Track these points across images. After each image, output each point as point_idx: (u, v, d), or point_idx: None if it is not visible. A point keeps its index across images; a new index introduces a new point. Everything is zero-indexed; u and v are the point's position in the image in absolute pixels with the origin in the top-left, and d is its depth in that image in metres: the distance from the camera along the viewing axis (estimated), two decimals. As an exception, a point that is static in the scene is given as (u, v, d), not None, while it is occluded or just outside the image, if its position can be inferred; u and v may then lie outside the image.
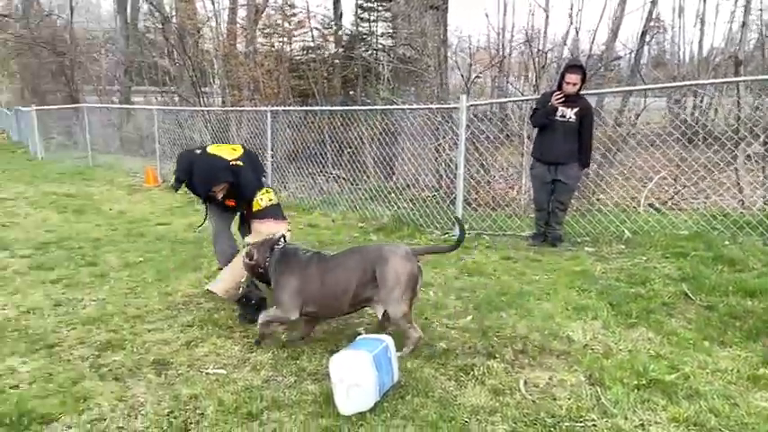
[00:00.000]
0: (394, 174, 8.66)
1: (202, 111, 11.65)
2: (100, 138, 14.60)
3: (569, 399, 2.69)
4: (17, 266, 5.23)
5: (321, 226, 6.85)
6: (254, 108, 9.92)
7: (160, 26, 15.34)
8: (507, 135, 7.74)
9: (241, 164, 4.07)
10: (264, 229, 3.96)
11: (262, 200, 4.10)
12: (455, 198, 6.03)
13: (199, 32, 14.16)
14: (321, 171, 9.48)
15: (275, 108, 8.58)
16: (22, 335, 3.66)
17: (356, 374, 2.53)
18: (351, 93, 15.84)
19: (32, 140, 16.41)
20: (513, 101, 8.06)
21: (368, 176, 9.07)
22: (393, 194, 7.57)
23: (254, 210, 4.12)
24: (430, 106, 7.24)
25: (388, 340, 2.78)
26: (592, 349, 3.22)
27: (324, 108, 8.79)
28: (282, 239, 3.50)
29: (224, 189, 4.06)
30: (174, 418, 2.64)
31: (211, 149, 4.20)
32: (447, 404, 2.66)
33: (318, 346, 3.39)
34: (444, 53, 8.79)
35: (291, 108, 9.26)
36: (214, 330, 3.67)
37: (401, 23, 8.58)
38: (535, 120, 5.49)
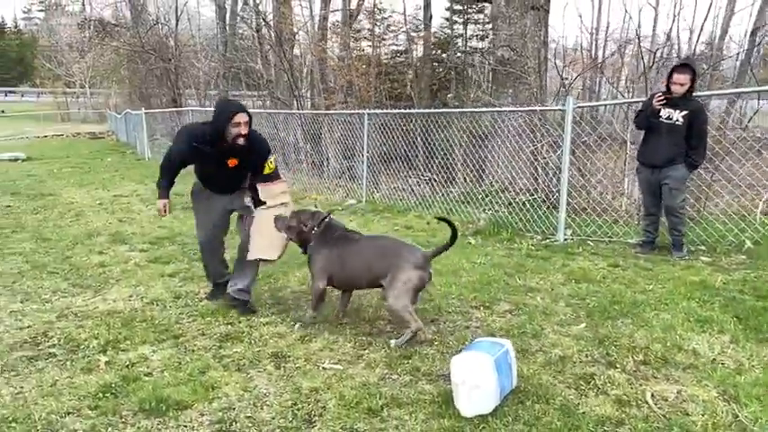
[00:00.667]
0: (485, 176, 8.58)
1: (299, 114, 12.00)
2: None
3: (703, 414, 2.56)
4: (137, 259, 5.60)
5: (417, 228, 6.89)
6: (352, 111, 10.10)
7: (257, 32, 15.95)
8: (609, 138, 7.48)
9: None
10: (278, 189, 4.06)
11: (272, 163, 4.01)
12: (554, 202, 5.90)
13: (294, 37, 14.64)
14: (413, 173, 9.55)
15: (373, 111, 8.72)
16: (149, 325, 3.91)
17: (478, 377, 2.52)
18: (438, 95, 15.87)
19: (140, 142, 17.53)
20: (623, 102, 7.76)
21: (460, 179, 9.04)
22: (489, 197, 7.50)
23: (265, 173, 3.99)
24: (534, 108, 7.13)
25: (507, 344, 2.76)
26: (722, 364, 3.04)
27: (422, 111, 8.86)
28: (327, 213, 3.89)
29: (247, 124, 3.74)
30: (298, 409, 2.74)
31: None
32: (569, 413, 2.60)
33: (429, 346, 3.41)
34: (545, 54, 8.61)
35: (389, 111, 9.38)
36: (325, 326, 3.77)
37: (500, 25, 8.48)
38: (638, 121, 5.31)
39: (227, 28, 20.25)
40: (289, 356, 3.34)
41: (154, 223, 7.39)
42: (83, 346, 3.55)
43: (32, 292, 4.65)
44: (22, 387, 3.03)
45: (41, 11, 68.06)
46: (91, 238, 6.49)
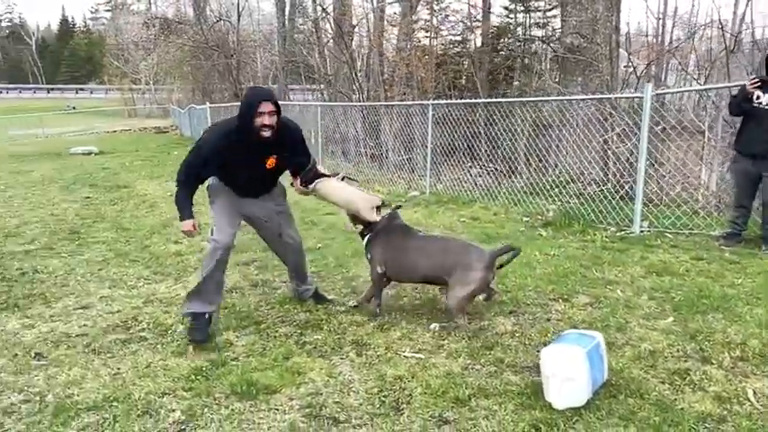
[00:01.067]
0: (551, 167, 8.40)
1: (361, 105, 12.06)
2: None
3: (813, 415, 2.44)
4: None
5: (483, 219, 6.82)
6: (416, 102, 10.08)
7: (317, 25, 16.12)
8: (686, 127, 7.18)
9: None
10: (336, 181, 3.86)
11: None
12: (628, 193, 5.71)
13: (354, 29, 14.71)
14: (475, 164, 9.46)
15: (437, 102, 8.66)
16: (231, 311, 4.03)
17: (570, 369, 2.48)
18: (498, 85, 15.63)
19: (204, 136, 18.02)
20: (706, 89, 7.42)
21: (524, 169, 8.89)
22: (557, 189, 7.34)
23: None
24: (608, 96, 6.90)
25: (599, 337, 2.70)
26: (826, 362, 2.88)
27: (489, 101, 8.72)
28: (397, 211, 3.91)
29: (273, 114, 3.31)
30: (385, 396, 2.76)
31: None
32: (666, 408, 2.52)
33: (511, 338, 3.37)
34: (616, 40, 8.34)
35: (453, 101, 9.29)
36: (402, 315, 3.79)
37: (569, 11, 8.26)
38: (731, 107, 5.05)
39: (287, 22, 20.53)
40: (369, 344, 3.38)
41: (224, 214, 7.59)
42: (170, 331, 3.70)
43: (118, 278, 4.87)
44: (119, 368, 3.18)
45: (108, 10, 70.95)
46: (166, 228, 6.73)
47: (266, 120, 3.29)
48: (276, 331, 3.66)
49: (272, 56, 23.18)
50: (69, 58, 74.27)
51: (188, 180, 3.57)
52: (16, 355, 3.39)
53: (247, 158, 3.46)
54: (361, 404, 2.72)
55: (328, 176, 3.87)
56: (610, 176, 7.37)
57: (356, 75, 13.32)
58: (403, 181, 9.79)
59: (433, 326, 3.54)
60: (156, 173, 12.05)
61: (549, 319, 3.64)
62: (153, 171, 12.40)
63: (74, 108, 46.10)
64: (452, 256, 3.52)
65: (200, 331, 3.50)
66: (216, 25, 21.78)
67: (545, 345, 3.13)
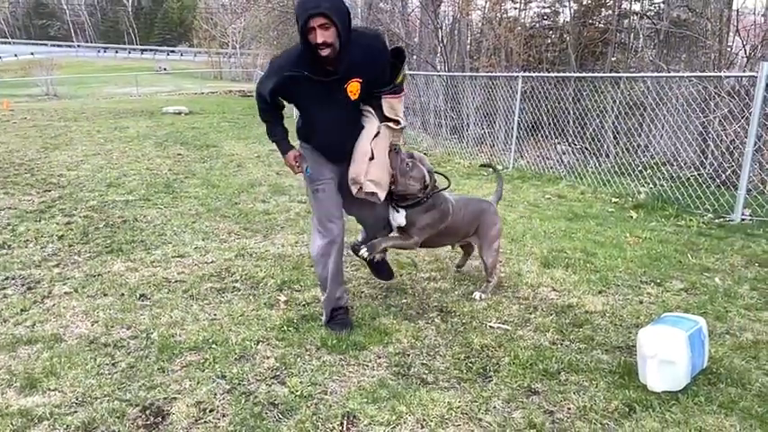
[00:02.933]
0: (643, 148, 8.03)
1: (446, 75, 11.91)
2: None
3: None
4: (297, 210, 5.92)
5: (570, 198, 6.63)
6: (506, 74, 9.84)
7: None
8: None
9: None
10: (399, 104, 3.03)
11: (404, 71, 3.01)
12: (729, 179, 5.37)
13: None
14: (562, 141, 9.18)
15: (527, 74, 8.42)
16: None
17: (670, 351, 2.40)
18: (587, 60, 14.98)
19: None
20: None
21: (613, 149, 8.55)
22: (648, 171, 7.02)
23: (398, 81, 2.98)
24: (716, 74, 6.48)
25: (701, 322, 2.59)
26: None
27: (583, 75, 8.39)
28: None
29: (325, 29, 2.61)
30: (472, 363, 2.78)
31: None
32: (771, 401, 2.40)
33: (601, 317, 3.29)
34: (728, 16, 7.77)
35: (545, 74, 9.00)
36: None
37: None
38: None
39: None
40: (454, 312, 3.39)
41: (307, 177, 7.76)
42: (261, 284, 3.85)
43: (210, 231, 5.10)
44: (215, 314, 3.36)
45: (201, -26, 72.92)
46: (254, 188, 6.96)
47: (318, 37, 2.61)
48: (362, 292, 3.73)
49: (354, 23, 23.12)
50: (162, 21, 77.23)
51: (265, 111, 3.10)
52: (123, 294, 3.64)
53: (321, 88, 2.81)
54: (447, 368, 2.75)
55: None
56: (708, 160, 6.96)
57: (442, 45, 13.11)
58: (484, 155, 9.64)
59: (476, 294, 3.62)
60: (243, 134, 12.42)
61: (641, 302, 3.52)
62: (239, 133, 12.79)
63: (165, 69, 48.07)
64: (475, 214, 3.62)
65: (342, 323, 3.14)
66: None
67: (637, 326, 3.06)
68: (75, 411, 2.36)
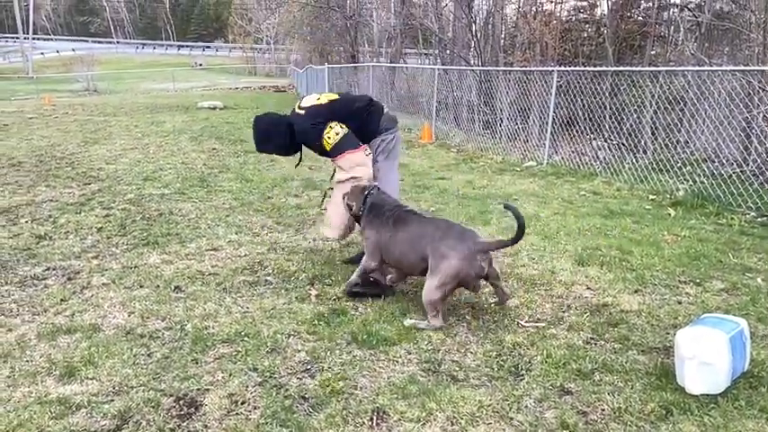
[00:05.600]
0: (682, 144, 7.81)
1: (479, 70, 11.80)
2: (375, 94, 15.82)
3: None
4: (329, 204, 5.94)
5: (605, 194, 6.50)
6: (540, 68, 9.70)
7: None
8: None
9: (301, 113, 3.84)
10: (344, 163, 3.72)
11: (329, 137, 3.69)
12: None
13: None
14: (597, 136, 9.00)
15: (563, 68, 8.28)
16: (348, 265, 4.14)
17: (710, 353, 2.33)
18: (625, 54, 14.64)
19: (320, 95, 18.47)
20: None
21: (651, 145, 8.35)
22: (688, 167, 6.84)
23: (327, 149, 3.75)
24: (762, 68, 6.26)
25: (743, 324, 2.50)
26: None
27: (621, 69, 8.20)
28: (374, 188, 3.56)
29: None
30: (503, 361, 2.75)
31: (300, 104, 3.96)
32: (817, 408, 2.31)
33: (637, 317, 3.22)
34: (775, 6, 7.48)
35: (581, 69, 8.85)
36: (520, 284, 3.72)
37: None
38: None
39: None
40: (486, 310, 3.36)
41: (339, 172, 7.78)
42: (293, 278, 3.88)
43: (243, 225, 5.15)
44: (248, 308, 3.39)
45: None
46: (286, 182, 7.01)
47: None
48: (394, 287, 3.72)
49: (387, 18, 23.16)
50: (198, 17, 78.49)
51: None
52: (158, 286, 3.71)
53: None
54: (479, 365, 2.72)
55: None
56: (751, 157, 6.74)
57: (476, 39, 12.98)
58: (518, 150, 9.53)
59: (407, 322, 3.13)
60: (275, 129, 12.52)
61: (679, 302, 3.43)
62: (272, 127, 12.89)
63: (200, 65, 48.81)
64: (432, 241, 3.07)
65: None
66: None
67: (675, 327, 2.98)
68: (112, 400, 2.41)
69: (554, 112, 8.34)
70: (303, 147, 4.06)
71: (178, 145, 10.06)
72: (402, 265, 3.34)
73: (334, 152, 3.72)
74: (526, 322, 3.18)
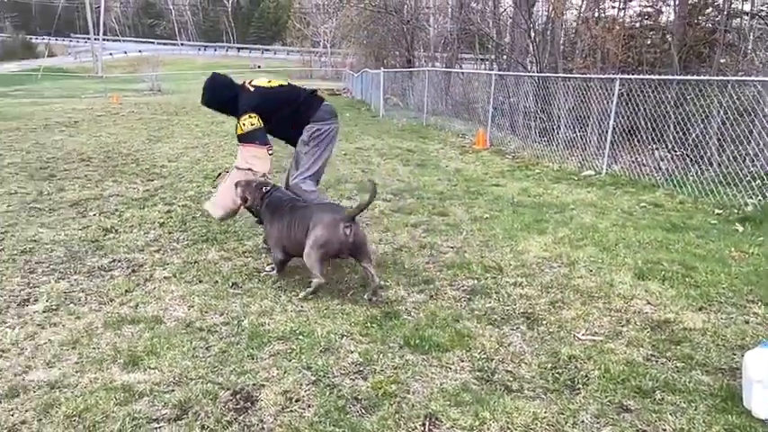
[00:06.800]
0: (748, 156, 7.46)
1: (537, 76, 11.62)
2: (430, 99, 15.79)
3: None
4: (382, 208, 5.96)
5: (667, 207, 6.28)
6: (601, 75, 9.48)
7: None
8: None
9: (251, 89, 4.15)
10: (247, 153, 4.04)
11: (243, 125, 3.97)
12: None
13: (536, -2, 14.11)
14: (660, 146, 8.71)
15: (626, 76, 8.06)
16: (400, 268, 4.15)
17: (781, 378, 2.22)
18: (691, 63, 14.11)
19: (375, 99, 18.60)
20: None
21: (717, 157, 8.02)
22: (758, 181, 6.52)
23: (237, 134, 4.05)
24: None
25: (818, 348, 2.37)
26: None
27: (687, 78, 7.93)
28: (272, 188, 3.92)
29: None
30: (559, 374, 2.69)
31: (255, 80, 4.30)
32: None
33: (701, 335, 3.10)
34: None
35: (645, 77, 8.59)
36: (576, 296, 3.64)
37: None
38: None
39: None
40: (541, 320, 3.30)
41: (393, 176, 7.82)
42: (346, 279, 3.92)
43: (299, 225, 5.22)
44: (302, 306, 3.44)
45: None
46: (340, 184, 7.09)
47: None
48: (445, 293, 3.71)
49: (444, 23, 23.12)
50: (258, 20, 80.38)
51: None
52: (216, 282, 3.82)
53: None
54: (533, 377, 2.67)
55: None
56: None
57: (535, 45, 12.80)
58: (575, 159, 9.32)
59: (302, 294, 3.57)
60: (330, 132, 12.66)
61: (747, 322, 3.28)
62: (327, 130, 13.05)
63: (259, 67, 49.95)
64: (306, 220, 3.57)
65: None
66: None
67: (743, 348, 2.85)
68: (173, 390, 2.49)
69: (614, 121, 8.12)
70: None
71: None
72: (300, 248, 3.62)
73: (243, 140, 4.03)
74: (583, 335, 3.10)
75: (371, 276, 3.58)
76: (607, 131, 8.19)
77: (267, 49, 66.83)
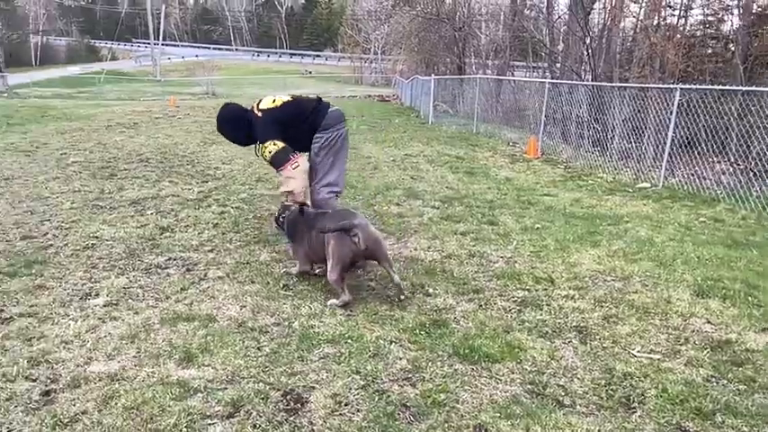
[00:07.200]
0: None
1: (591, 85, 11.40)
2: (480, 107, 15.66)
3: None
4: (431, 215, 5.94)
5: (728, 222, 6.04)
6: (658, 85, 9.23)
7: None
8: None
9: (259, 114, 4.24)
10: (282, 178, 4.22)
11: (270, 151, 4.12)
12: None
13: (593, 4, 13.84)
14: (722, 159, 8.40)
15: (687, 86, 7.81)
16: (448, 276, 4.12)
17: None
18: (756, 73, 13.57)
19: (425, 106, 18.60)
20: None
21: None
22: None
23: (266, 160, 4.22)
24: None
25: None
26: None
27: (755, 89, 7.63)
28: (284, 212, 4.11)
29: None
30: (613, 391, 2.62)
31: (259, 104, 4.35)
32: None
33: (764, 358, 2.96)
34: None
35: (708, 87, 8.31)
36: (631, 312, 3.54)
37: None
38: None
39: (519, -3, 20.06)
40: (594, 335, 3.22)
41: (442, 183, 7.78)
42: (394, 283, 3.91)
43: (348, 230, 5.26)
44: (351, 311, 3.46)
45: (351, -18, 76.11)
46: (389, 191, 7.10)
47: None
48: (494, 303, 3.66)
49: (496, 30, 22.99)
50: (311, 27, 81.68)
51: None
52: (268, 283, 3.88)
53: None
54: (586, 392, 2.61)
55: None
56: None
57: (590, 52, 12.55)
58: (629, 170, 9.08)
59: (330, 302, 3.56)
60: (380, 138, 12.75)
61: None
62: (376, 136, 13.14)
63: (309, 73, 50.75)
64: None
65: None
66: (449, -3, 22.12)
67: (812, 374, 2.71)
68: (226, 388, 2.55)
69: (673, 132, 7.87)
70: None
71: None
72: (320, 256, 3.69)
73: (274, 165, 4.20)
74: (638, 352, 3.01)
75: (392, 277, 3.62)
76: (665, 143, 7.95)
77: (318, 55, 67.82)
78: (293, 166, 4.14)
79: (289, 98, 4.42)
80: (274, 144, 4.13)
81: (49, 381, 2.60)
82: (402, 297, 3.62)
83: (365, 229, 3.51)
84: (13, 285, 3.73)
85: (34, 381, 2.60)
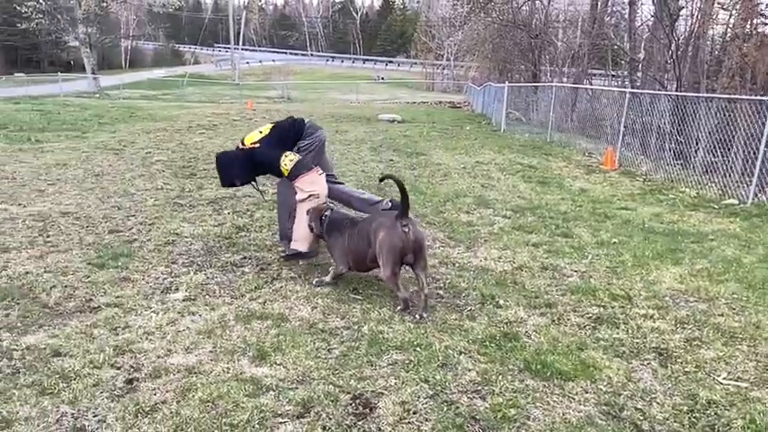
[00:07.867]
0: None
1: (675, 95, 10.90)
2: (555, 115, 15.29)
3: None
4: (502, 224, 5.85)
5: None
6: (749, 97, 8.72)
7: (633, 4, 14.93)
8: None
9: (257, 145, 4.36)
10: (302, 184, 4.21)
11: (285, 165, 4.20)
12: None
13: (680, 10, 13.25)
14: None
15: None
16: (520, 288, 4.04)
17: None
18: None
19: (497, 113, 18.37)
20: None
21: None
22: None
23: (285, 174, 4.26)
24: None
25: None
26: None
27: None
28: (328, 210, 4.08)
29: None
30: (696, 418, 2.48)
31: (246, 140, 4.49)
32: None
33: None
34: None
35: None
36: (717, 335, 3.33)
37: None
38: None
39: (600, 3, 19.43)
40: (675, 358, 3.06)
41: (513, 192, 7.65)
42: (464, 294, 3.88)
43: (418, 236, 5.25)
44: (421, 317, 3.45)
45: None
46: (458, 198, 7.04)
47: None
48: (568, 319, 3.55)
49: (574, 37, 22.41)
50: (385, 33, 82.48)
51: None
52: (338, 285, 3.93)
53: None
54: (666, 419, 2.49)
55: None
56: None
57: (675, 61, 12.00)
58: (714, 185, 8.61)
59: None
60: (450, 145, 12.68)
61: None
62: (447, 143, 13.08)
63: (382, 78, 51.20)
64: (370, 232, 3.65)
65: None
66: (525, 4, 21.76)
67: None
68: (296, 388, 2.60)
69: (765, 146, 7.40)
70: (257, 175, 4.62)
71: (359, 154, 10.60)
72: (359, 257, 3.75)
73: (291, 176, 4.25)
74: (724, 379, 2.84)
75: (422, 285, 3.55)
76: (756, 157, 7.48)
77: (391, 61, 68.33)
78: (318, 173, 4.34)
79: (271, 125, 4.69)
80: (294, 154, 4.33)
81: (132, 369, 2.74)
82: (424, 315, 3.46)
83: (414, 223, 3.60)
84: (102, 276, 3.95)
85: (119, 369, 2.74)
